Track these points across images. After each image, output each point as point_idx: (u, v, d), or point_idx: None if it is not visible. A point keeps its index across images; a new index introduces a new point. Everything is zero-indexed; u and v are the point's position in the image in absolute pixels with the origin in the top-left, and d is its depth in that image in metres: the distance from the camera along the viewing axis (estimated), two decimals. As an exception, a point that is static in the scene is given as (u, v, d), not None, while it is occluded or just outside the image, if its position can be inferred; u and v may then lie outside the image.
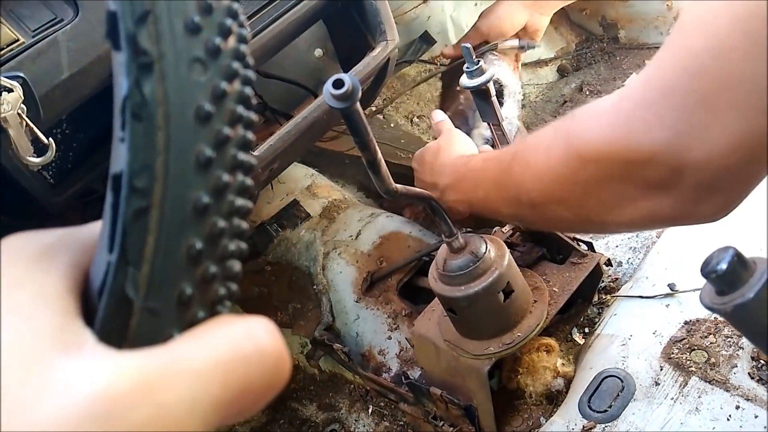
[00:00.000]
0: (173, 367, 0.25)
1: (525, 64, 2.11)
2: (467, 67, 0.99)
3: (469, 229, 1.04)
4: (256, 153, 1.04)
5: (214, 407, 0.25)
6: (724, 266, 0.42)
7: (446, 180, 1.00)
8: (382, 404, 1.37)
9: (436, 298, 1.09)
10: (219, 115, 0.28)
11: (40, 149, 0.75)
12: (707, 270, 0.43)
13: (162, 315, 0.27)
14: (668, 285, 1.09)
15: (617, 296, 1.18)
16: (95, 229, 0.31)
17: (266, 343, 0.28)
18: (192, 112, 0.28)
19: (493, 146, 1.17)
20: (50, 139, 0.73)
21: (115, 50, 0.28)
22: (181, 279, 0.28)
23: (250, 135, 0.30)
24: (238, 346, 0.27)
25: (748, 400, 0.89)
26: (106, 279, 0.27)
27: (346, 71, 1.59)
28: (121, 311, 0.27)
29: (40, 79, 0.78)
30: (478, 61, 0.98)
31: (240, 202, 0.30)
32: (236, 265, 0.30)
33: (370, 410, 1.38)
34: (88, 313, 0.28)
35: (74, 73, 0.82)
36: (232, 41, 0.29)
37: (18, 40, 0.79)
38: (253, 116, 0.31)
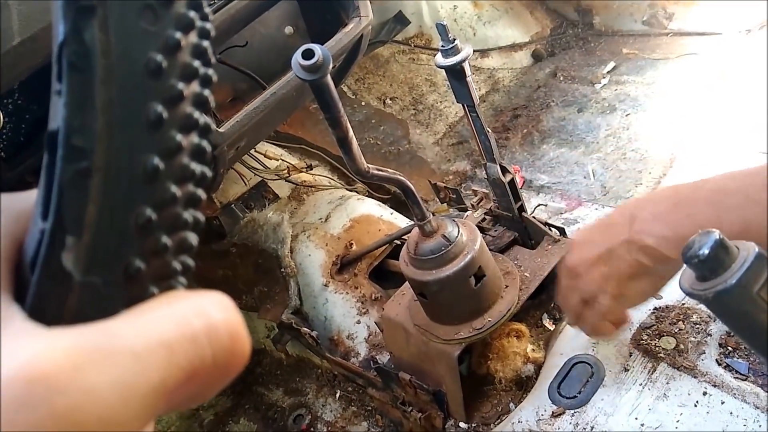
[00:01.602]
0: (108, 347, 0.22)
1: (500, 48, 2.10)
2: (442, 46, 0.96)
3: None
4: (222, 130, 1.00)
5: (155, 392, 0.22)
6: (706, 251, 0.40)
7: (653, 208, 0.74)
8: (350, 389, 1.36)
9: (407, 282, 1.07)
10: (172, 68, 0.25)
11: (-13, 119, 0.70)
12: (689, 255, 0.41)
13: (105, 290, 0.24)
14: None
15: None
16: (33, 196, 0.27)
17: (218, 320, 0.24)
18: (140, 65, 0.24)
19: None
20: (-3, 108, 0.68)
21: None
22: (129, 250, 0.25)
23: (208, 92, 0.27)
24: (185, 324, 0.24)
25: (715, 386, 0.90)
26: (40, 249, 0.24)
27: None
28: (57, 285, 0.23)
29: (-13, 44, 0.73)
30: (454, 39, 0.95)
31: (195, 166, 0.26)
32: (191, 237, 0.27)
33: (337, 395, 1.37)
34: (21, 288, 0.25)
35: (26, 39, 0.77)
36: None
37: (-37, 1, 0.73)
38: (211, 72, 0.27)
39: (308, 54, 0.54)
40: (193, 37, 0.26)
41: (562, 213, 1.47)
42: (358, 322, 1.34)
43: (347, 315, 1.35)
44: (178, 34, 0.26)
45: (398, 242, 1.37)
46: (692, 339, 0.96)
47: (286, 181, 1.60)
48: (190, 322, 0.24)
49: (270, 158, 1.60)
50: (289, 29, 1.77)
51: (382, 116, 1.93)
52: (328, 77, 0.57)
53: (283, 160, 1.62)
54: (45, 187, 0.24)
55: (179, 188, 0.26)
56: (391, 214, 1.49)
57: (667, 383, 0.92)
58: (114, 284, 0.24)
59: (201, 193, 0.27)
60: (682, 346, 0.95)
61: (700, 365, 0.93)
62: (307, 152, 1.74)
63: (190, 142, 0.26)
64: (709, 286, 0.42)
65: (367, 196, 1.61)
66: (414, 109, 1.98)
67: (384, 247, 1.38)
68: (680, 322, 0.99)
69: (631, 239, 0.75)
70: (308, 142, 1.75)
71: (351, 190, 1.63)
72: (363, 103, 1.95)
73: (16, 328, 0.22)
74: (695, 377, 0.91)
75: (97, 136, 0.23)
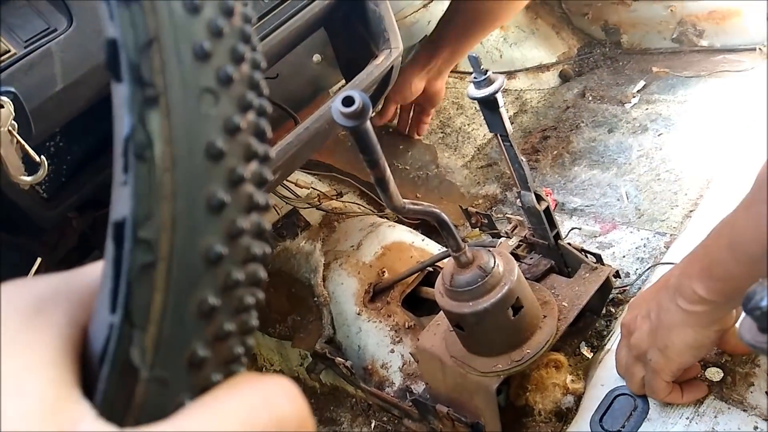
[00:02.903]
0: None
1: (527, 69, 2.09)
2: (475, 78, 0.96)
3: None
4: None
5: None
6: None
7: (682, 268, 0.78)
8: (385, 419, 1.34)
9: (441, 312, 1.06)
10: (232, 151, 0.25)
11: (31, 166, 0.72)
12: (750, 306, 0.40)
13: (171, 383, 0.24)
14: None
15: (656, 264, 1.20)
16: (93, 274, 0.27)
17: (285, 411, 0.25)
18: (202, 150, 0.24)
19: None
20: (42, 156, 0.70)
21: (116, 82, 0.24)
22: (192, 339, 0.24)
23: (267, 171, 0.27)
24: (254, 418, 0.24)
25: (766, 420, 0.87)
26: (108, 344, 0.24)
27: (346, 78, 1.55)
28: (125, 381, 0.23)
29: (32, 92, 0.75)
30: (486, 70, 0.95)
31: (257, 247, 0.26)
32: (252, 319, 0.27)
33: (372, 425, 1.35)
34: (86, 376, 0.25)
35: (68, 85, 0.79)
36: (245, 68, 0.26)
37: (9, 51, 0.75)
38: (269, 150, 0.28)
39: (348, 101, 0.54)
40: (251, 117, 0.26)
41: (596, 236, 1.45)
42: (392, 351, 1.32)
43: (381, 344, 1.34)
44: (237, 116, 0.26)
45: (431, 269, 1.36)
46: (740, 370, 0.93)
47: (317, 209, 1.61)
48: (258, 416, 0.23)
49: (301, 186, 1.61)
50: (317, 57, 1.79)
51: (410, 141, 1.93)
52: (368, 122, 0.57)
53: (313, 188, 1.63)
54: (113, 279, 0.24)
55: (241, 271, 0.26)
56: (423, 240, 1.48)
57: (716, 417, 0.89)
58: (178, 375, 0.24)
59: (262, 273, 0.27)
60: (729, 378, 0.92)
61: (750, 398, 0.90)
62: (337, 179, 1.75)
63: (251, 222, 0.26)
64: (773, 337, 0.40)
65: (396, 221, 1.61)
66: (442, 133, 1.97)
67: (416, 275, 1.37)
68: (726, 353, 0.96)
69: (669, 284, 0.76)
70: (338, 169, 1.75)
71: (381, 217, 1.63)
72: (390, 129, 1.95)
73: (87, 428, 0.22)
74: (745, 411, 0.88)
75: (163, 227, 0.23)
